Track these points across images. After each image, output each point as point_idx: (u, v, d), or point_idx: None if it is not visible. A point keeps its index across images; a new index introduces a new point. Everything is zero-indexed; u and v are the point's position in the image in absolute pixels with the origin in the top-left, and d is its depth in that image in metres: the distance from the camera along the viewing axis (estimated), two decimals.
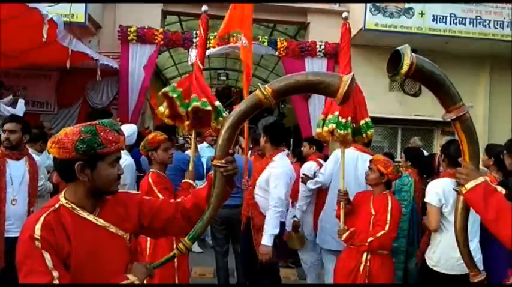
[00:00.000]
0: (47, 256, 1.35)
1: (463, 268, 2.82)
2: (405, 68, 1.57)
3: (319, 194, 4.44)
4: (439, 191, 3.00)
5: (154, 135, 3.24)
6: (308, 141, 5.17)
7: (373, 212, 3.06)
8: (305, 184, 4.26)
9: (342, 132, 3.18)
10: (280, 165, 3.48)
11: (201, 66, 3.52)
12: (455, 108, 1.70)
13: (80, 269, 1.42)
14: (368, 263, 2.97)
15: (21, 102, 5.55)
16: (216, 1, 5.86)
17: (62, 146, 1.42)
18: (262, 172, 3.54)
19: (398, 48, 1.60)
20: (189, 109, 3.23)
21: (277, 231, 3.30)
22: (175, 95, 3.25)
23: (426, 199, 3.10)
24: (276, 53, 7.97)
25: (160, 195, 2.90)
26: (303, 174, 4.36)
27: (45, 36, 4.22)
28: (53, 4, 6.71)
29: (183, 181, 3.33)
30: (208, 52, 7.11)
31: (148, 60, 7.65)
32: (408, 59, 1.56)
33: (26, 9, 4.07)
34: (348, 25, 3.59)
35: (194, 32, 7.79)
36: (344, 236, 3.08)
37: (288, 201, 3.74)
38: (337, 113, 3.21)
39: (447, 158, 3.15)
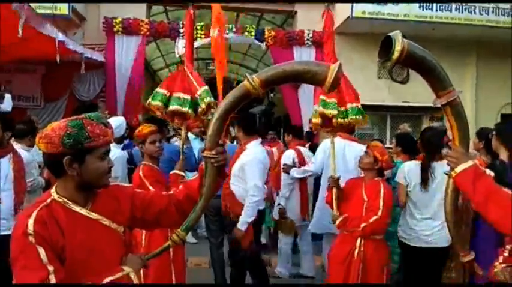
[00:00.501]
0: (41, 250, 1.34)
1: (425, 242, 3.24)
2: (396, 54, 1.57)
3: (302, 180, 4.59)
4: (405, 171, 3.36)
5: (141, 128, 3.23)
6: (287, 131, 5.33)
7: (366, 198, 3.10)
8: (287, 173, 4.34)
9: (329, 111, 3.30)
10: (251, 152, 3.56)
11: (189, 66, 3.56)
12: (445, 93, 1.71)
13: (75, 263, 1.41)
14: (362, 249, 3.02)
15: (7, 97, 5.46)
16: (200, 1, 5.81)
17: (49, 141, 1.41)
18: (237, 160, 3.62)
19: (390, 34, 1.60)
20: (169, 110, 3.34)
21: (251, 219, 3.43)
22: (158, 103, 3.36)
23: (396, 178, 3.49)
24: (263, 45, 7.92)
25: (151, 188, 2.88)
26: (284, 164, 4.44)
27: (20, 32, 4.09)
28: None
29: (171, 172, 3.32)
30: (196, 44, 7.09)
31: (137, 53, 7.56)
32: (399, 44, 1.57)
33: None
34: (330, 14, 3.67)
35: (181, 22, 7.71)
36: (337, 222, 3.13)
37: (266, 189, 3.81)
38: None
39: (421, 142, 3.46)
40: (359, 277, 3.01)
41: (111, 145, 4.28)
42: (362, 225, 3.00)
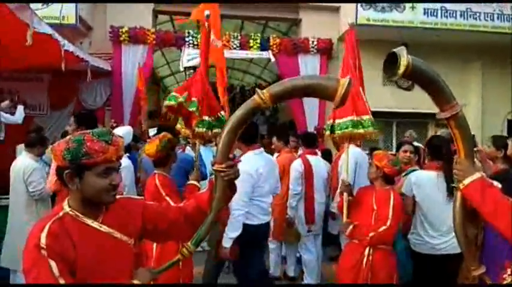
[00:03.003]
0: (53, 264, 1.36)
1: (439, 249, 3.19)
2: (402, 69, 1.61)
3: (307, 189, 4.57)
4: (412, 182, 3.31)
5: (169, 135, 3.23)
6: (299, 138, 5.36)
7: (375, 207, 3.09)
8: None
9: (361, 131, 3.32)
10: (242, 164, 3.44)
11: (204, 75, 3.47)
12: (449, 107, 1.74)
13: (86, 276, 1.43)
14: (370, 258, 3.00)
15: (20, 108, 5.51)
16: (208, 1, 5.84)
17: (55, 153, 1.46)
18: None
19: (394, 50, 1.63)
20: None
21: (236, 234, 3.31)
22: (182, 100, 3.20)
23: (402, 189, 3.39)
24: (271, 56, 7.93)
25: (168, 199, 2.85)
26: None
27: (29, 41, 4.09)
28: (44, 6, 6.69)
29: (188, 182, 3.28)
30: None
31: (145, 63, 7.61)
32: (404, 60, 1.60)
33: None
34: (352, 35, 3.64)
35: (186, 31, 7.78)
36: (348, 231, 3.12)
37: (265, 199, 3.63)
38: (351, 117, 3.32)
39: (430, 150, 3.41)
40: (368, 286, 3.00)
41: None
42: (370, 234, 2.98)
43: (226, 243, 3.33)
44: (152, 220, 1.66)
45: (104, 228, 1.53)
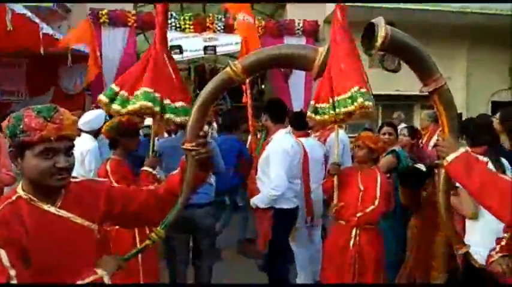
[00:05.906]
0: (2, 252, 1.24)
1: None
2: (380, 40, 1.52)
3: (303, 177, 3.94)
4: None
5: (131, 119, 3.04)
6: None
7: (362, 188, 3.04)
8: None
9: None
10: (276, 142, 3.34)
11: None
12: (433, 80, 1.65)
13: (44, 264, 1.32)
14: (358, 239, 2.97)
15: None
16: None
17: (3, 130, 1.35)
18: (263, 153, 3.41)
19: (373, 20, 1.54)
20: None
21: (261, 205, 3.24)
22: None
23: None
24: None
25: (115, 184, 2.68)
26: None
27: (9, 26, 3.95)
28: None
29: (142, 169, 3.06)
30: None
31: (127, 45, 7.40)
32: (382, 31, 1.50)
33: None
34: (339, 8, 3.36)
35: (169, 13, 7.56)
36: (333, 212, 3.05)
37: (296, 181, 3.47)
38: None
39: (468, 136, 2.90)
40: (355, 267, 2.94)
41: (87, 137, 3.99)
42: (358, 214, 2.96)
43: (252, 202, 3.31)
44: (119, 203, 1.54)
45: (63, 213, 1.40)
